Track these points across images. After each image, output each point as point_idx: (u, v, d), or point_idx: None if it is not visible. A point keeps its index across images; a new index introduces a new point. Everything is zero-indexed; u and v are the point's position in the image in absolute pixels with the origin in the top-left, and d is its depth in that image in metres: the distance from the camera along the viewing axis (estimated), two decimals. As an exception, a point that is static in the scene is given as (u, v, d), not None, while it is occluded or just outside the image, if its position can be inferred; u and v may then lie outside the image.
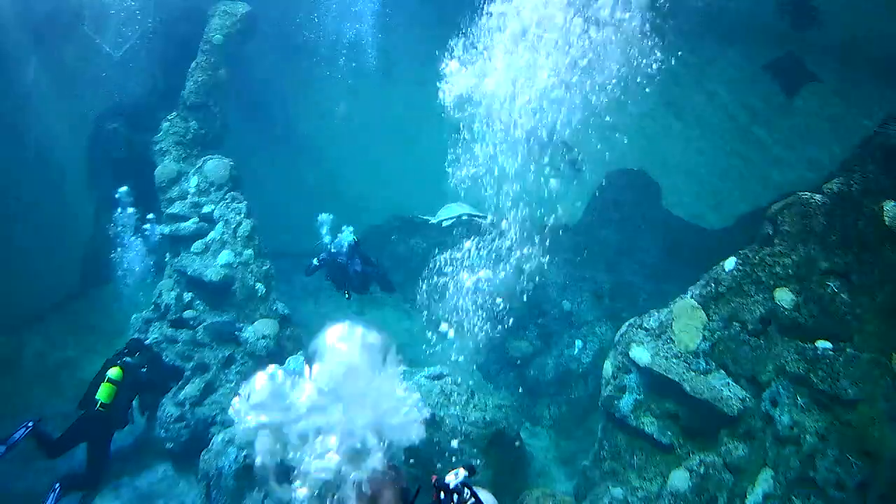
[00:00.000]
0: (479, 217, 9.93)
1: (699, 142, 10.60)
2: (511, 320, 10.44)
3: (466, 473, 3.21)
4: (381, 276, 9.38)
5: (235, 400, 3.41)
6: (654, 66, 9.91)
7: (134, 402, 8.63)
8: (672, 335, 7.26)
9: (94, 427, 8.02)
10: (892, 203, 6.12)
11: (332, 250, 9.43)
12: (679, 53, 9.92)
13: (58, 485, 7.91)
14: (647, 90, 10.69)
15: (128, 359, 8.34)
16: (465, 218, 10.09)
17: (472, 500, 3.12)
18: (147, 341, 9.48)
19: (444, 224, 10.37)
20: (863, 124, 8.37)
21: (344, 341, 3.44)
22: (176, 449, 9.05)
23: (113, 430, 8.33)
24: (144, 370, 8.62)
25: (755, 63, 9.68)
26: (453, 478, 3.19)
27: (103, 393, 7.91)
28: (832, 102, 9.48)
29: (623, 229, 11.76)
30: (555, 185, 9.09)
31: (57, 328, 11.16)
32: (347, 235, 9.36)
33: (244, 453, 7.78)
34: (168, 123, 11.60)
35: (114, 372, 7.99)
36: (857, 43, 8.70)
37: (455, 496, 3.10)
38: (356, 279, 9.11)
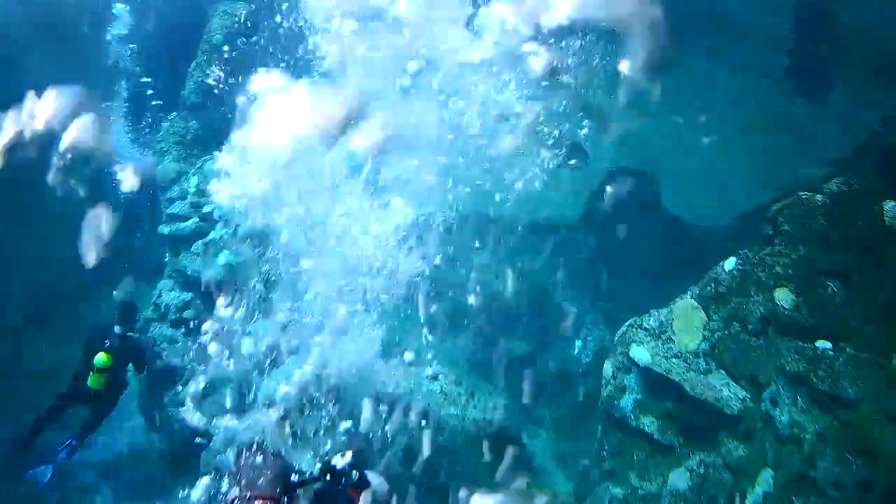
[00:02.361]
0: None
1: (700, 141, 10.58)
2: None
3: (352, 455, 3.21)
4: None
5: None
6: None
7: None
8: (672, 335, 7.27)
9: (95, 403, 7.93)
10: (892, 203, 6.12)
11: None
12: (681, 52, 9.93)
13: (73, 441, 7.89)
14: (646, 88, 10.70)
15: (116, 328, 8.09)
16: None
17: (357, 479, 3.12)
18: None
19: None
20: (867, 126, 8.34)
21: None
22: (176, 448, 9.06)
23: (116, 397, 8.23)
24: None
25: (759, 62, 9.66)
26: (340, 460, 3.19)
27: (95, 382, 7.75)
28: (837, 103, 9.44)
29: (623, 229, 11.74)
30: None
31: (57, 328, 11.16)
32: None
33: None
34: (168, 123, 11.61)
35: (101, 359, 7.76)
36: (868, 45, 8.64)
37: (342, 478, 3.10)
38: None
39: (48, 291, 11.39)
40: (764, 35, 9.08)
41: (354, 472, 3.14)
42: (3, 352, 10.59)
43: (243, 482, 2.87)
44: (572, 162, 10.04)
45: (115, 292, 9.34)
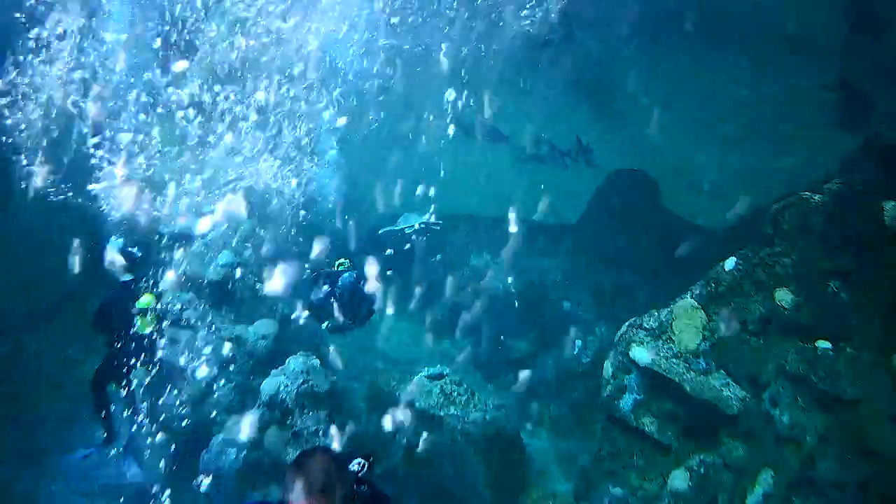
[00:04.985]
0: (434, 225, 10.12)
1: (700, 141, 10.61)
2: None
3: (365, 464, 3.15)
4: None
5: None
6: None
7: None
8: (672, 335, 7.25)
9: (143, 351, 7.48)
10: (892, 203, 6.12)
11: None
12: (684, 53, 9.95)
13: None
14: (647, 88, 10.70)
15: (127, 276, 7.60)
16: (423, 226, 10.26)
17: (369, 492, 3.05)
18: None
19: (407, 231, 10.44)
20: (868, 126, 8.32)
21: None
22: (178, 448, 9.04)
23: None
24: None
25: (760, 65, 9.67)
26: (356, 467, 3.12)
27: (146, 325, 7.32)
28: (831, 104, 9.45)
29: (623, 229, 11.75)
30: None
31: (57, 328, 11.15)
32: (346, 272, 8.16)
33: (244, 453, 7.79)
34: (168, 123, 11.60)
35: (146, 300, 7.33)
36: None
37: (356, 486, 3.03)
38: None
39: (48, 291, 11.39)
40: (818, 50, 8.93)
41: (364, 484, 3.07)
42: (3, 352, 10.59)
43: (308, 488, 2.69)
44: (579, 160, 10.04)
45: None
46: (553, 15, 8.35)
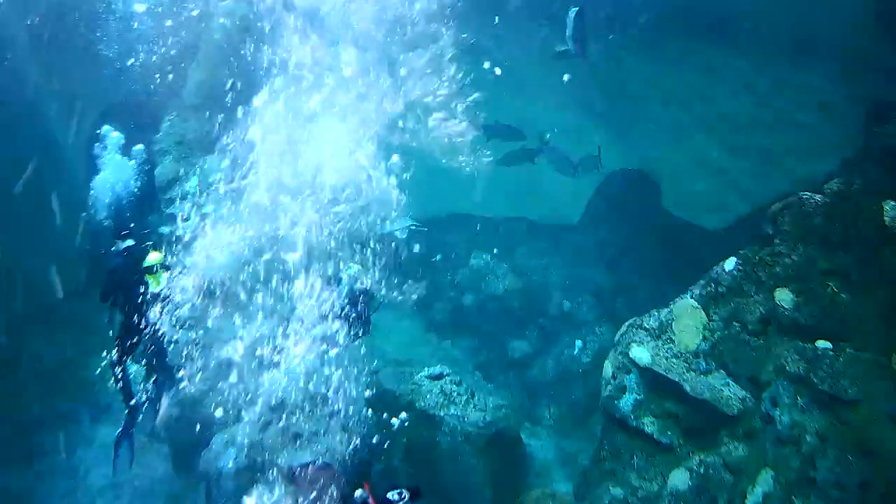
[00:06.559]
0: (420, 228, 10.10)
1: (700, 142, 10.60)
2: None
3: (407, 495, 3.15)
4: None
5: None
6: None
7: None
8: (672, 335, 7.26)
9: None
10: (892, 203, 6.12)
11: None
12: (682, 55, 9.95)
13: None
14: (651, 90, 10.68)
15: (128, 243, 7.57)
16: (413, 228, 10.25)
17: None
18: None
19: (398, 234, 10.42)
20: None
21: None
22: (177, 448, 9.05)
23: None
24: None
25: (759, 67, 9.65)
26: (395, 497, 3.13)
27: (158, 282, 7.28)
28: (837, 107, 9.39)
29: (623, 229, 11.76)
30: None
31: (57, 328, 11.15)
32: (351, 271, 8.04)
33: (244, 454, 7.78)
34: (168, 123, 11.60)
35: (156, 257, 7.31)
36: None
37: None
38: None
39: (48, 291, 11.39)
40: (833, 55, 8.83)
41: None
42: (3, 352, 10.59)
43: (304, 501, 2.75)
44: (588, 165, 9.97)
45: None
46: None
